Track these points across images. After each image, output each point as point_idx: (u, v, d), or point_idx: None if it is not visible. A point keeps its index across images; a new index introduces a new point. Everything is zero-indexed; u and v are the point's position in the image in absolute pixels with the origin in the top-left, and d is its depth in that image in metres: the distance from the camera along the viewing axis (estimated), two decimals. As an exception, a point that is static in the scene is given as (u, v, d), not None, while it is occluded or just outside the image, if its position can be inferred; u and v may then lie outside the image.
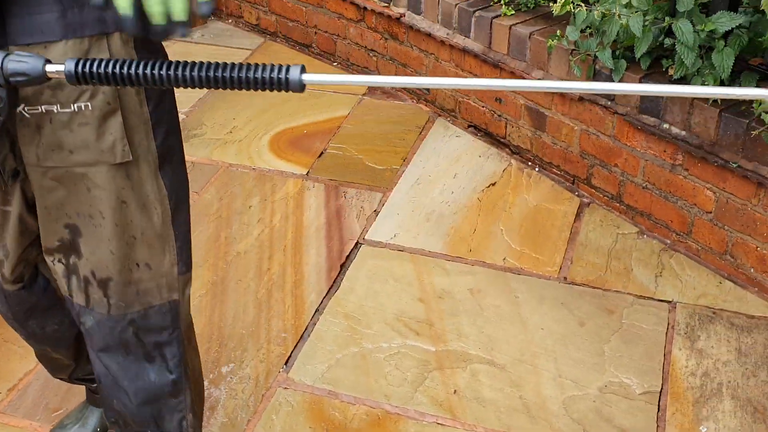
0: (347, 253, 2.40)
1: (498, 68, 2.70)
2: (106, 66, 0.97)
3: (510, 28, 2.62)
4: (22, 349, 2.09)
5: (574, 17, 2.24)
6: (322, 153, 2.86)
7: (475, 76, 2.81)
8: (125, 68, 0.96)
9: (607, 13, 2.08)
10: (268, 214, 2.57)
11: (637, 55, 2.16)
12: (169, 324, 1.43)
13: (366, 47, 3.23)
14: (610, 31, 2.09)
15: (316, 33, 3.42)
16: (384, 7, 3.05)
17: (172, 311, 1.43)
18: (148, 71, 0.96)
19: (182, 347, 1.46)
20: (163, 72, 0.96)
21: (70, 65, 0.97)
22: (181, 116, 3.06)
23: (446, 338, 2.10)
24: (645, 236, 2.42)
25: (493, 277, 2.29)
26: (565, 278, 2.28)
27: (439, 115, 3.03)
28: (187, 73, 0.96)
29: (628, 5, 2.04)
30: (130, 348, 1.41)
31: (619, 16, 2.06)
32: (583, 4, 2.16)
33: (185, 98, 3.19)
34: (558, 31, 2.48)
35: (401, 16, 2.99)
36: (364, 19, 3.17)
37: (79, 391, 1.94)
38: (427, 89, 3.03)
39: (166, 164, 1.30)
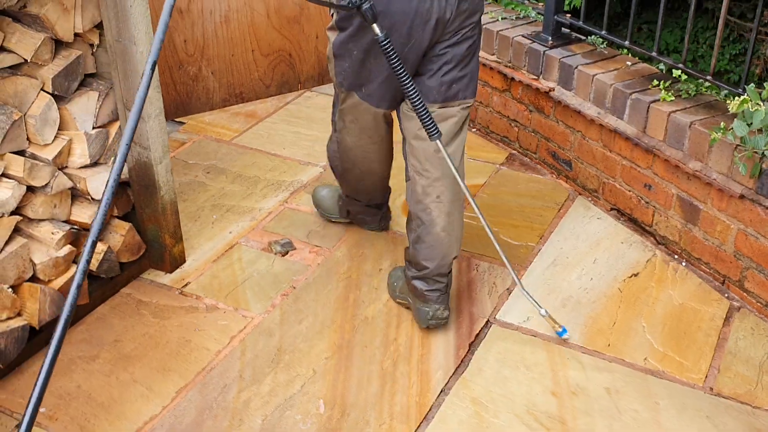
0: (477, 332, 2.31)
1: (651, 153, 2.58)
2: None
3: (669, 114, 2.51)
4: (149, 392, 2.11)
5: (749, 114, 2.11)
6: (456, 221, 2.80)
7: (625, 158, 2.69)
8: None
9: (788, 114, 1.95)
10: (398, 280, 2.52)
11: (818, 160, 2.00)
12: None
13: (508, 117, 3.18)
14: (791, 133, 1.95)
15: (458, 97, 3.39)
16: (533, 79, 2.99)
17: None
18: None
19: None
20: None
21: None
22: (318, 170, 3.10)
23: (579, 439, 1.97)
24: (803, 352, 2.23)
25: (632, 378, 2.15)
26: (711, 389, 2.12)
27: (580, 194, 2.93)
28: None
29: (814, 107, 1.90)
30: None
31: (802, 118, 1.92)
32: (761, 104, 2.03)
33: (323, 153, 3.21)
34: (722, 123, 2.35)
35: (550, 90, 2.92)
36: (510, 89, 3.12)
37: (200, 446, 1.92)
38: (569, 165, 2.94)
39: None
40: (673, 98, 2.56)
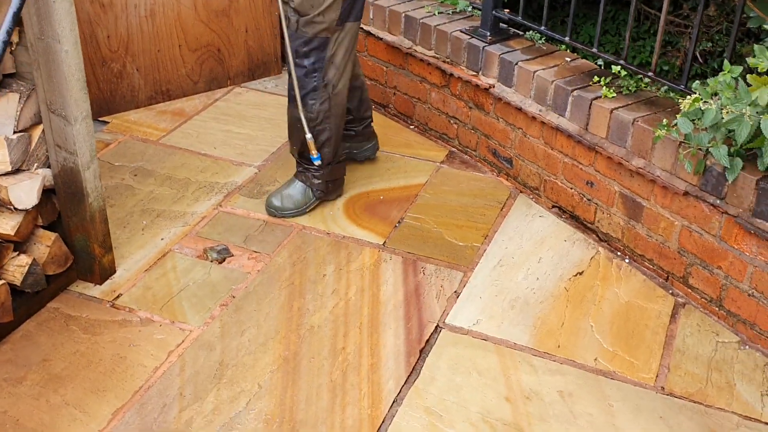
0: (427, 338, 2.25)
1: (593, 151, 2.57)
2: None
3: (611, 111, 2.50)
4: (83, 415, 1.96)
5: (699, 113, 2.10)
6: (399, 222, 2.73)
7: (567, 156, 2.68)
8: None
9: (735, 113, 1.95)
10: (344, 285, 2.43)
11: (766, 157, 2.02)
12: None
13: (447, 114, 3.13)
14: (739, 132, 1.95)
15: (395, 94, 3.32)
16: (472, 75, 2.94)
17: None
18: None
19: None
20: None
21: None
22: (252, 171, 2.98)
23: (536, 446, 1.94)
24: (747, 347, 2.25)
25: (584, 380, 2.13)
26: (663, 388, 2.12)
27: (521, 192, 2.90)
28: None
29: (761, 109, 1.91)
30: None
31: (749, 117, 1.93)
32: (711, 102, 2.03)
33: (257, 152, 3.09)
34: (665, 120, 2.35)
35: (490, 87, 2.88)
36: (448, 85, 3.06)
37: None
38: (510, 163, 2.91)
39: None
40: (614, 95, 2.56)
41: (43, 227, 2.27)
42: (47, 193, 2.25)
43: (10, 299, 2.13)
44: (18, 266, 2.15)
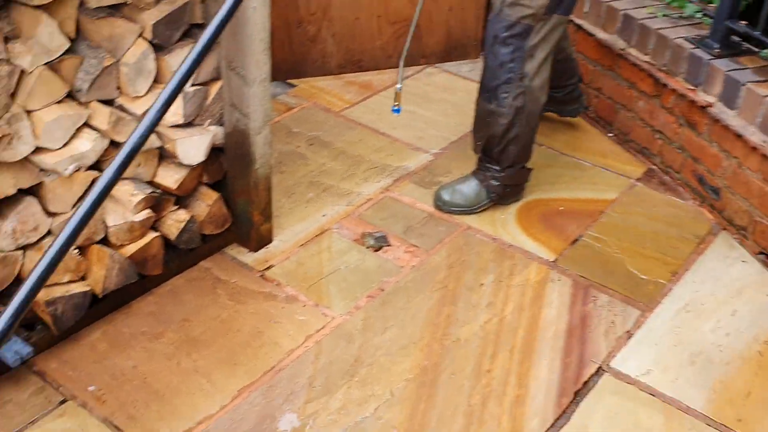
0: (585, 379, 1.99)
1: (824, 198, 2.17)
2: None
3: None
4: (210, 386, 1.90)
5: None
6: (576, 240, 2.46)
7: (789, 198, 2.29)
8: None
9: None
10: (501, 299, 2.22)
11: None
12: None
13: (653, 127, 2.79)
14: None
15: (597, 96, 3.02)
16: (689, 89, 2.59)
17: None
18: None
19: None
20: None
21: None
22: (427, 158, 2.81)
23: None
24: None
25: (766, 468, 1.79)
26: None
27: (725, 229, 2.53)
28: None
29: None
30: None
31: None
32: None
33: (436, 139, 2.92)
34: None
35: (708, 105, 2.52)
36: (660, 96, 2.72)
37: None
38: (717, 194, 2.54)
39: None
40: None
41: (208, 185, 2.22)
42: (216, 151, 2.20)
43: (163, 252, 2.10)
44: (176, 221, 2.12)
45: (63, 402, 1.83)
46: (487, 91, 2.39)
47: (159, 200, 2.07)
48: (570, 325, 2.14)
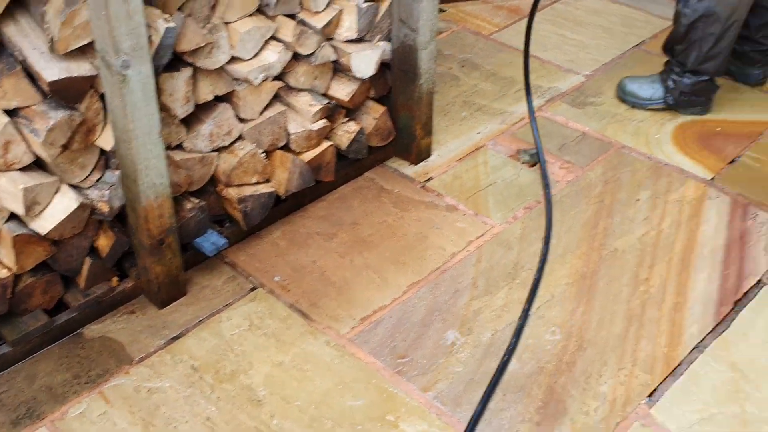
0: (745, 290, 2.02)
1: None
2: None
3: None
4: (381, 281, 2.05)
5: None
6: (734, 160, 2.45)
7: None
8: None
9: None
10: (658, 215, 2.25)
11: None
12: None
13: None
14: None
15: (756, 18, 2.94)
16: None
17: None
18: None
19: None
20: None
21: None
22: (579, 79, 2.84)
23: None
24: None
25: None
26: None
27: None
28: None
29: None
30: None
31: None
32: None
33: (587, 61, 2.93)
34: None
35: None
36: (828, 15, 2.63)
37: (427, 344, 1.85)
38: None
39: None
40: None
41: (374, 99, 2.35)
42: (383, 66, 2.31)
43: (335, 161, 2.25)
44: (346, 132, 2.26)
45: (253, 289, 2.03)
46: None
47: (332, 112, 2.21)
48: (728, 240, 2.16)
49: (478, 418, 1.71)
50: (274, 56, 2.02)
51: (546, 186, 2.30)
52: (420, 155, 2.45)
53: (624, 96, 2.66)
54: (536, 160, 2.47)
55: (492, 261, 2.12)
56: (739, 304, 1.98)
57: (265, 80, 2.03)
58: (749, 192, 2.32)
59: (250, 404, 1.74)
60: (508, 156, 2.50)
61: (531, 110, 2.45)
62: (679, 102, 2.57)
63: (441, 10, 3.28)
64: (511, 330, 1.92)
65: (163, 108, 1.85)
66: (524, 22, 3.18)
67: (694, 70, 2.50)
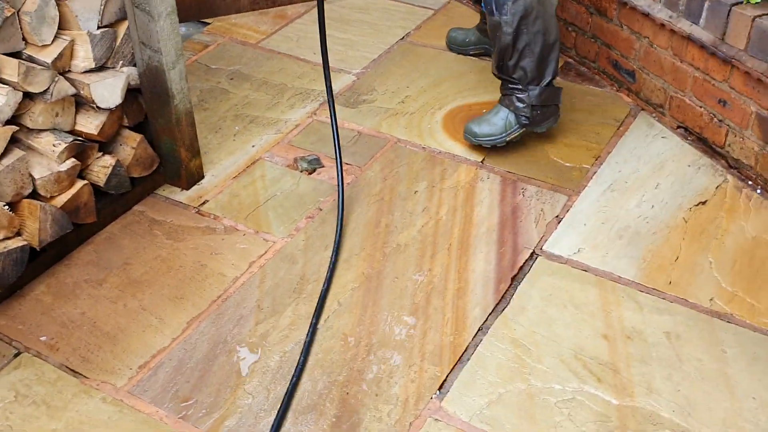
0: (521, 264, 2.07)
1: (729, 65, 2.25)
2: None
3: (753, 19, 2.16)
4: (159, 322, 1.93)
5: None
6: (502, 138, 2.52)
7: (698, 69, 2.36)
8: None
9: None
10: (435, 203, 2.28)
11: None
12: None
13: (565, 20, 2.84)
14: None
15: (508, -2, 3.04)
16: (595, -23, 2.63)
17: None
18: None
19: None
20: None
21: None
22: (351, 78, 2.82)
23: (633, 391, 1.75)
24: None
25: (695, 321, 1.91)
26: (788, 337, 1.87)
27: (643, 109, 2.61)
28: None
29: None
30: None
31: None
32: None
33: (357, 59, 2.93)
34: (819, 30, 2.01)
35: (615, -10, 2.57)
36: (568, -11, 2.77)
37: (212, 381, 1.76)
38: (633, 77, 2.61)
39: None
40: (758, 0, 2.21)
41: (129, 128, 2.21)
42: (133, 92, 2.19)
43: (93, 200, 2.10)
44: (102, 167, 2.11)
45: (17, 354, 1.85)
46: (485, 5, 2.29)
47: (82, 148, 2.06)
48: (502, 218, 2.22)
49: (269, 449, 1.64)
50: (1, 100, 1.85)
51: (340, 189, 2.23)
52: (191, 179, 2.34)
53: (477, 140, 2.41)
54: (315, 166, 2.43)
55: (276, 278, 2.06)
56: (516, 279, 2.03)
57: (-7, 126, 1.85)
58: (516, 168, 2.39)
59: (20, 485, 1.58)
60: (286, 166, 2.44)
61: (333, 115, 2.28)
62: (534, 118, 2.37)
63: (205, 23, 3.17)
64: (300, 348, 1.86)
65: None
66: (291, 27, 3.14)
67: (535, 78, 2.33)
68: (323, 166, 2.43)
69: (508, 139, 2.40)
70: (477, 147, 2.46)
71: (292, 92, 2.76)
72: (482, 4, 2.36)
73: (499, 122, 2.40)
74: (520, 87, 2.35)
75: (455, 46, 2.93)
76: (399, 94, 2.74)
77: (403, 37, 3.06)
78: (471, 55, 2.91)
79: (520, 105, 2.36)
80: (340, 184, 2.23)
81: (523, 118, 2.37)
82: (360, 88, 2.78)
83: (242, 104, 2.70)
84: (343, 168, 2.41)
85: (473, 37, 2.90)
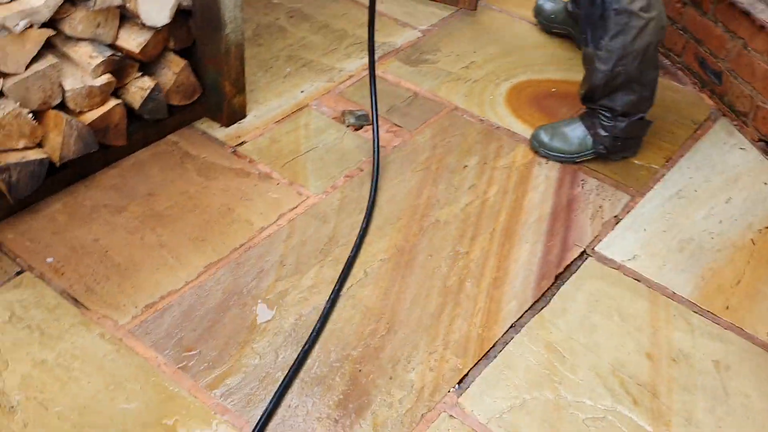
0: (568, 262, 1.90)
1: (833, 80, 2.03)
2: None
3: None
4: (175, 261, 1.81)
5: None
6: (567, 123, 2.34)
7: (795, 81, 2.15)
8: None
9: None
10: (485, 181, 2.11)
11: None
12: None
13: (655, 7, 2.61)
14: None
15: (597, -26, 2.83)
16: (698, -37, 2.41)
17: None
18: None
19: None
20: None
21: None
22: (416, 35, 2.65)
23: (670, 419, 1.58)
24: None
25: (749, 353, 1.73)
26: None
27: (725, 115, 2.40)
28: None
29: None
30: None
31: None
32: None
33: (425, 15, 2.75)
34: None
35: (717, -19, 2.34)
36: (664, -28, 2.54)
37: (220, 333, 1.63)
38: (719, 78, 2.40)
39: None
40: None
41: (174, 51, 2.07)
42: (184, 14, 2.04)
43: (125, 122, 1.97)
44: (139, 88, 1.98)
45: (20, 273, 1.74)
46: (582, 33, 2.07)
47: (121, 65, 1.92)
48: (555, 208, 2.04)
49: (268, 418, 1.52)
50: (39, 0, 1.71)
51: (376, 151, 2.09)
52: (232, 115, 2.20)
53: (544, 151, 2.18)
54: (362, 122, 2.27)
55: (304, 236, 1.92)
56: (560, 277, 1.86)
57: (29, 28, 1.72)
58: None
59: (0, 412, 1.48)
60: (332, 118, 2.28)
61: (372, 67, 2.14)
62: (613, 149, 2.15)
63: (272, -44, 3.00)
64: (318, 314, 1.72)
65: None
66: (361, -28, 2.96)
67: (627, 113, 2.10)
68: (371, 124, 2.27)
69: (578, 160, 2.17)
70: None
71: (352, 40, 2.59)
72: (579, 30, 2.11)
73: (574, 140, 2.16)
74: (609, 116, 2.11)
75: (540, 18, 2.68)
76: (464, 59, 2.55)
77: None
78: (553, 33, 2.67)
79: (603, 133, 2.12)
80: (376, 143, 2.07)
81: (602, 147, 2.14)
82: (424, 46, 2.60)
83: (298, 45, 2.54)
84: (391, 131, 2.25)
85: (562, 14, 2.63)
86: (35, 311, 1.66)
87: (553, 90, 2.45)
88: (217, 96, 2.15)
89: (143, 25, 1.92)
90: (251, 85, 2.33)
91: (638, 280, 1.87)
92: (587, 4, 2.00)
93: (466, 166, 2.15)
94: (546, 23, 2.66)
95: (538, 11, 2.68)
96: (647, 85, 2.07)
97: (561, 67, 2.54)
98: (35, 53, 1.76)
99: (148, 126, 2.07)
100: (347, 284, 1.80)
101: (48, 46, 1.81)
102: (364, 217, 1.95)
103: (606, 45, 1.98)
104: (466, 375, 1.63)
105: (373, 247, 1.90)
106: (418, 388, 1.60)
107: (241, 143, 2.16)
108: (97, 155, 1.95)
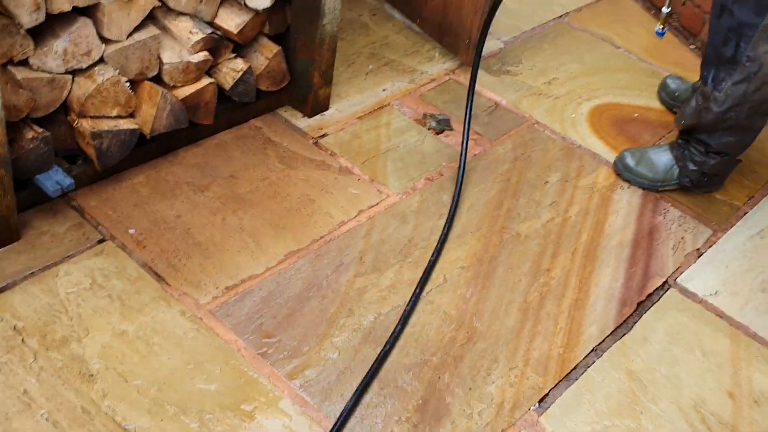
0: (650, 292, 1.87)
1: None
2: None
3: None
4: (255, 246, 1.78)
5: None
6: (649, 150, 2.30)
7: None
8: None
9: None
10: (566, 200, 2.08)
11: None
12: None
13: (743, 43, 2.58)
14: None
15: (684, 3, 2.80)
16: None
17: None
18: None
19: None
20: None
21: None
22: (498, 45, 2.62)
23: (752, 464, 1.55)
24: None
25: (833, 406, 1.69)
26: None
27: (807, 159, 2.37)
28: None
29: None
30: None
31: None
32: None
33: (508, 27, 2.72)
34: None
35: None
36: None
37: (299, 323, 1.61)
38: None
39: None
40: None
41: (268, 36, 2.06)
42: (283, 1, 2.02)
43: (215, 102, 1.95)
44: (232, 69, 1.96)
45: (101, 241, 1.72)
46: (704, 69, 2.02)
47: (217, 44, 1.91)
48: (637, 235, 2.01)
49: (348, 415, 1.49)
50: (150, -31, 1.70)
51: (462, 157, 2.05)
52: (316, 107, 2.18)
53: (628, 174, 2.14)
54: (444, 127, 2.24)
55: (384, 234, 1.89)
56: (642, 306, 1.83)
57: (137, -4, 1.70)
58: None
59: (79, 379, 1.45)
60: (413, 119, 2.26)
61: (474, 72, 2.07)
62: (698, 183, 2.11)
63: (357, -48, 2.99)
64: (397, 315, 1.70)
65: (5, 13, 1.51)
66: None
67: (722, 152, 2.06)
68: (452, 129, 2.25)
69: (660, 189, 2.14)
70: (621, 150, 2.24)
71: (434, 44, 2.57)
72: (701, 64, 2.06)
73: (660, 168, 2.12)
74: (702, 150, 2.07)
75: (664, 94, 2.49)
76: (546, 74, 2.53)
77: (561, 16, 2.84)
78: (674, 111, 2.44)
79: (692, 167, 2.09)
80: (464, 152, 2.04)
81: (688, 180, 2.11)
82: (506, 57, 2.58)
83: (380, 44, 2.52)
84: (472, 138, 2.22)
85: (686, 93, 2.42)
86: (116, 281, 1.64)
87: (635, 115, 2.42)
88: (305, 86, 2.13)
89: (245, 6, 1.90)
90: (335, 78, 2.30)
91: (720, 317, 1.83)
92: (720, 43, 1.94)
93: (546, 182, 2.12)
94: (668, 100, 2.49)
95: (663, 86, 2.52)
96: (752, 131, 2.03)
97: (643, 93, 2.51)
98: (138, 22, 1.75)
99: (234, 108, 2.06)
100: (426, 288, 1.77)
101: (149, 17, 1.79)
102: (446, 223, 1.92)
103: (727, 89, 1.93)
104: (547, 395, 1.60)
105: (453, 254, 1.87)
106: (498, 402, 1.57)
107: (323, 135, 2.14)
108: (184, 132, 1.93)
